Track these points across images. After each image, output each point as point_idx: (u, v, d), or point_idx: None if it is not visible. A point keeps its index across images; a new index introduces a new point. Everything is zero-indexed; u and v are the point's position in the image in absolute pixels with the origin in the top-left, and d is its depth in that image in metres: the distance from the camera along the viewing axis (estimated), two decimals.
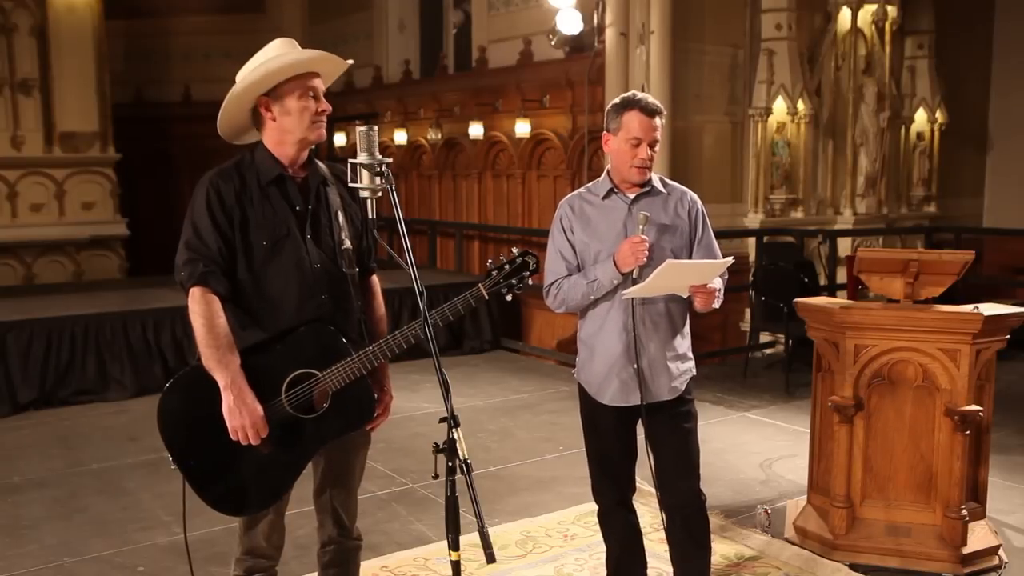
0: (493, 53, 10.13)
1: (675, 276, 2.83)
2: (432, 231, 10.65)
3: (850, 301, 4.98)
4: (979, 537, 3.82)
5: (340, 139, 11.71)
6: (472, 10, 10.65)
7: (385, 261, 2.90)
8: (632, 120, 2.90)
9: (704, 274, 2.88)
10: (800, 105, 8.39)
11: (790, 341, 7.15)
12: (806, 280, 7.32)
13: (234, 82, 2.55)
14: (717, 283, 2.95)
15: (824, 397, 3.99)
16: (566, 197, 3.12)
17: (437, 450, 2.23)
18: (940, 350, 3.70)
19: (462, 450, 2.20)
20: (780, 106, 8.36)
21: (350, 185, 2.43)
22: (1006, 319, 3.74)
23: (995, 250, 9.49)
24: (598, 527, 3.29)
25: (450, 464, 2.22)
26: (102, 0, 10.51)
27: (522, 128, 9.41)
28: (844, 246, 8.51)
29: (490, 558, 2.13)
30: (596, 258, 2.95)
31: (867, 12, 8.63)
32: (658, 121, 2.92)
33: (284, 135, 2.54)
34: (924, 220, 9.76)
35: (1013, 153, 10.33)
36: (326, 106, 2.56)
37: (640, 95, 2.96)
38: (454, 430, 2.21)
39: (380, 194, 2.42)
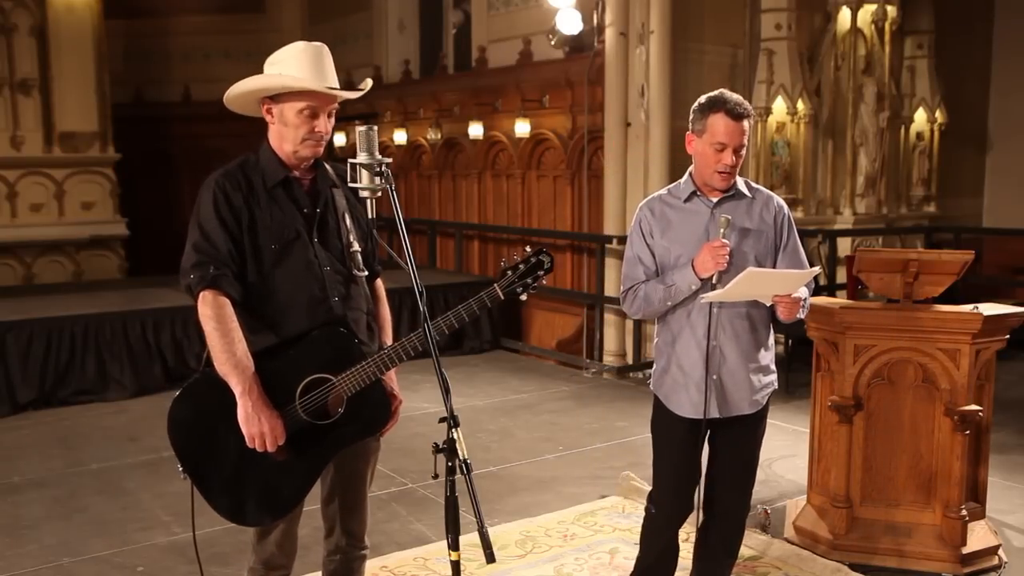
0: (493, 53, 10.12)
1: (756, 284, 2.72)
2: (432, 231, 10.65)
3: (850, 301, 4.98)
4: (979, 537, 3.82)
5: (340, 139, 11.71)
6: (472, 10, 10.63)
7: (385, 261, 2.90)
8: (718, 123, 2.73)
9: (787, 284, 2.75)
10: (800, 105, 8.38)
11: (790, 341, 7.14)
12: None
13: (232, 82, 2.53)
14: (803, 292, 2.81)
15: (824, 397, 3.98)
16: (646, 200, 2.98)
17: (437, 450, 2.21)
18: (940, 350, 3.70)
19: (462, 450, 2.20)
20: (780, 106, 8.35)
21: (350, 185, 2.42)
22: (1006, 319, 3.74)
23: (995, 250, 9.49)
24: (598, 527, 3.29)
25: (450, 464, 2.21)
26: (102, 0, 10.50)
27: (522, 128, 9.40)
28: (844, 246, 8.52)
29: (490, 558, 2.13)
30: (676, 263, 2.83)
31: (867, 12, 8.61)
32: (746, 124, 2.74)
33: (282, 141, 2.53)
34: (924, 220, 9.75)
35: (1013, 153, 10.32)
36: (324, 128, 2.50)
37: (728, 95, 2.77)
38: (454, 430, 2.20)
39: (380, 194, 2.41)
